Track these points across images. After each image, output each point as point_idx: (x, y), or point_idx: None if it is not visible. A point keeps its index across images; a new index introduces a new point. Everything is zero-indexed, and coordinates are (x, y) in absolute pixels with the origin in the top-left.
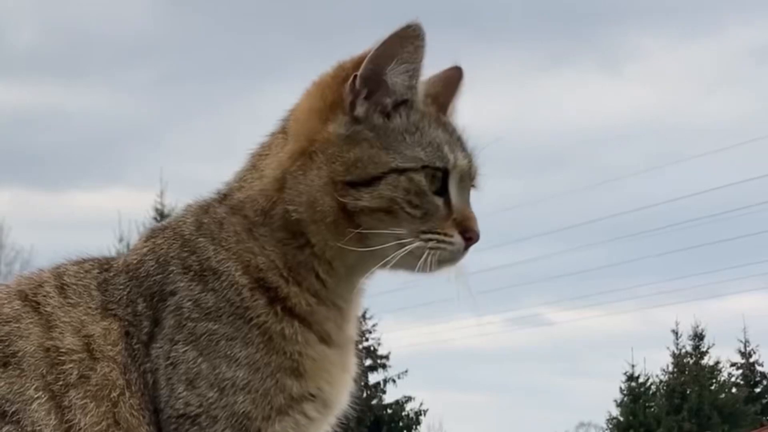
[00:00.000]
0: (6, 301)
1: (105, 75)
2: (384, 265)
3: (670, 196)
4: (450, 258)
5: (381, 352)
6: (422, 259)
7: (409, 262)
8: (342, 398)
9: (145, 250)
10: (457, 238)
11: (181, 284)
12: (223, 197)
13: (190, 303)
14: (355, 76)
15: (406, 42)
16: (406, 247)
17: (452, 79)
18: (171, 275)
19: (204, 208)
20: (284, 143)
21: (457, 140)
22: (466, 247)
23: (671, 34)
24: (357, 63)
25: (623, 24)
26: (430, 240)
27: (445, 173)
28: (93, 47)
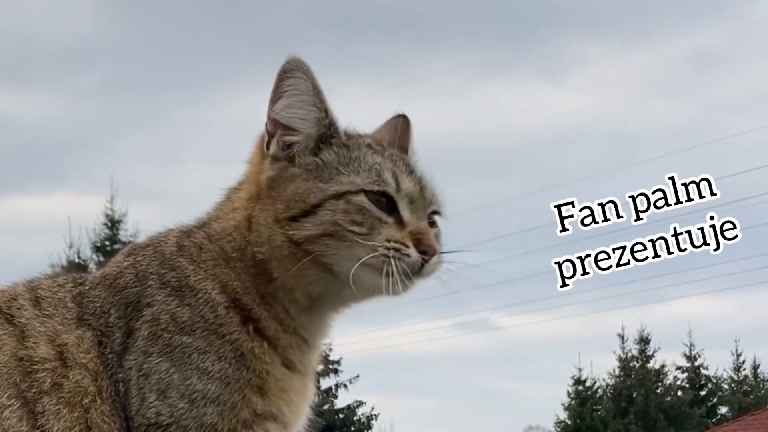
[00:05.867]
0: None
1: (50, 80)
2: (352, 297)
3: None
4: (411, 271)
5: (332, 357)
6: (384, 272)
7: (374, 281)
8: (299, 422)
9: (125, 264)
10: (413, 251)
11: (159, 297)
12: (203, 225)
13: (167, 316)
14: (266, 123)
15: (285, 77)
16: (363, 259)
17: (398, 125)
18: (149, 289)
19: (186, 233)
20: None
21: (403, 168)
22: (424, 262)
23: (613, 41)
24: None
25: (565, 31)
26: (388, 249)
27: (390, 197)
28: (37, 51)
